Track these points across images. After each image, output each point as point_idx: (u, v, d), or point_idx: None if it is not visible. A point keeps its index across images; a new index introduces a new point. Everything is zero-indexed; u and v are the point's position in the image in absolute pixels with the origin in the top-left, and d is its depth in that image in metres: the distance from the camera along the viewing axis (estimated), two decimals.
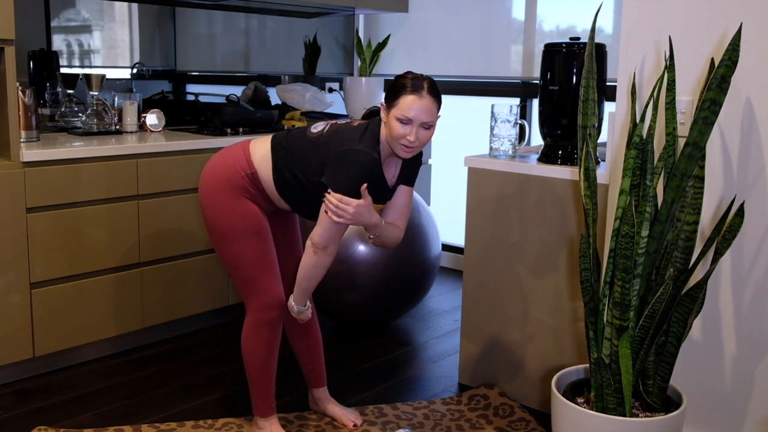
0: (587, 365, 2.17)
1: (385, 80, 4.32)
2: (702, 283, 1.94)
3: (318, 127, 2.22)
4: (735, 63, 1.80)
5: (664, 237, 1.95)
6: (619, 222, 1.91)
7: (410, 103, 2.04)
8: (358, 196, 2.08)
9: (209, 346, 3.20)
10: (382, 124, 2.13)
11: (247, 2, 4.06)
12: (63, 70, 3.39)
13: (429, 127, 2.09)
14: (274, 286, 2.27)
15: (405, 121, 2.05)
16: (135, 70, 3.72)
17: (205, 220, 2.28)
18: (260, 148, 2.24)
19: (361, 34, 4.59)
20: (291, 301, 2.24)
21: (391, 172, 2.22)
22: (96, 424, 2.52)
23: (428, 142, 2.14)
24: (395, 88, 2.09)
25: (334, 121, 2.24)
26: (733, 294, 2.17)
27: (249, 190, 2.22)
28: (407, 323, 3.54)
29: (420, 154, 2.28)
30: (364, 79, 4.13)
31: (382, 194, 2.21)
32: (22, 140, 2.76)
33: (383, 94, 4.16)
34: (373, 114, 2.24)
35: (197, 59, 4.00)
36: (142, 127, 3.38)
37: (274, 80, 4.21)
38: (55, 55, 3.37)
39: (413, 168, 2.29)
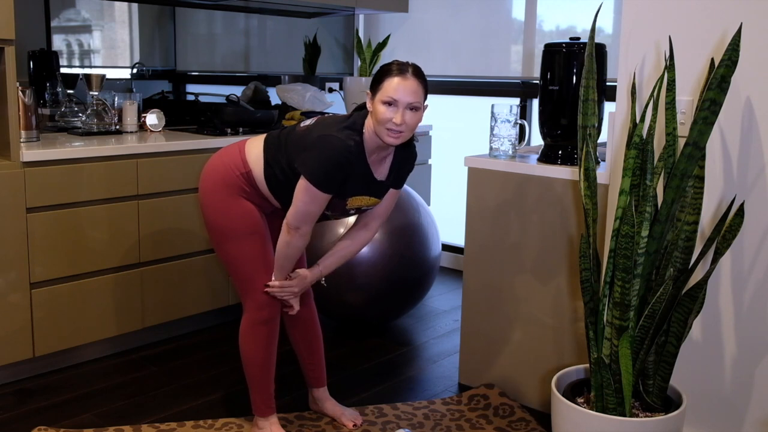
0: (587, 365, 2.17)
1: None
2: (702, 283, 1.94)
3: (307, 122, 2.24)
4: (735, 63, 1.80)
5: (664, 237, 1.95)
6: (619, 222, 1.91)
7: (395, 85, 2.04)
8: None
9: (209, 346, 3.20)
10: (369, 115, 2.13)
11: (247, 2, 4.06)
12: (63, 70, 3.39)
13: (415, 109, 2.07)
14: None
15: (390, 103, 2.04)
16: (135, 70, 3.72)
17: (204, 219, 2.31)
18: (255, 147, 2.26)
19: (361, 34, 4.59)
20: (272, 278, 2.28)
21: (380, 168, 2.21)
22: (96, 424, 2.52)
23: (415, 128, 2.10)
24: (379, 73, 2.09)
25: (323, 116, 2.27)
26: (733, 294, 2.17)
27: (244, 189, 2.24)
28: (407, 323, 3.54)
29: (414, 157, 2.28)
30: (364, 79, 4.13)
31: (368, 186, 2.20)
32: (22, 140, 2.76)
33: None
34: (361, 106, 2.25)
35: (197, 59, 4.00)
36: (142, 127, 3.38)
37: (274, 80, 4.21)
38: (55, 55, 3.37)
39: (404, 168, 2.28)
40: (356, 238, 2.34)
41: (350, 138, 2.10)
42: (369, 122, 2.12)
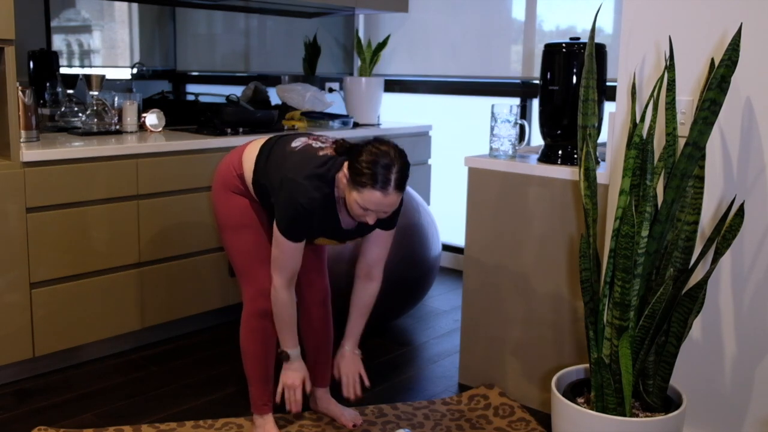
0: (587, 365, 2.17)
1: (385, 80, 4.32)
2: (702, 283, 1.94)
3: (298, 142, 2.23)
4: (735, 63, 1.80)
5: (664, 237, 1.95)
6: (619, 222, 1.91)
7: (375, 200, 1.98)
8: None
9: (209, 346, 3.20)
10: (342, 171, 2.06)
11: (247, 2, 4.06)
12: (63, 70, 3.39)
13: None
14: (266, 277, 2.30)
15: (365, 208, 2.03)
16: (135, 70, 3.72)
17: (213, 211, 2.43)
18: (252, 152, 2.29)
19: (361, 34, 4.59)
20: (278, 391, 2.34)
21: (350, 218, 2.19)
22: (96, 424, 2.52)
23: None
24: (361, 172, 1.97)
25: (314, 139, 2.23)
26: (733, 294, 2.17)
27: (239, 187, 2.32)
28: (407, 323, 3.54)
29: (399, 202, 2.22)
30: (364, 79, 4.13)
31: (333, 232, 2.21)
32: (22, 140, 2.76)
33: (382, 96, 4.19)
34: (348, 150, 2.10)
35: (197, 59, 4.00)
36: (142, 127, 3.38)
37: (274, 80, 4.21)
38: (55, 55, 3.37)
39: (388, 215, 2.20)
40: (365, 290, 2.38)
41: (319, 189, 2.08)
42: (341, 176, 2.06)
